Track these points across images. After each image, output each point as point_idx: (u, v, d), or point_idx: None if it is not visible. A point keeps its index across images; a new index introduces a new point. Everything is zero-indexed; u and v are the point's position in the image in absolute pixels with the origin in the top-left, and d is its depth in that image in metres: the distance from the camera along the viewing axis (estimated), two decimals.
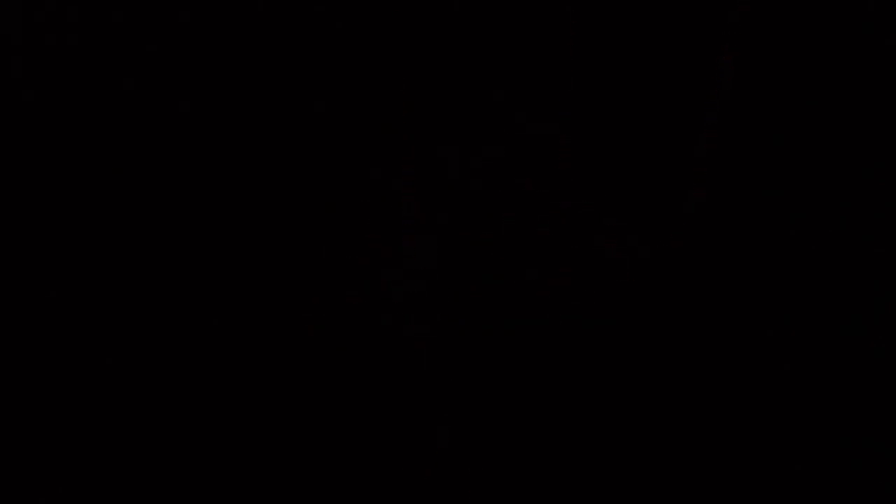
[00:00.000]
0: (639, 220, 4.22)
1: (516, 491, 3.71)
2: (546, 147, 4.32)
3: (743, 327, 3.99)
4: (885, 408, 3.81)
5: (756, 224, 4.14)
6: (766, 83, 4.21)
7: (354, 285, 4.11)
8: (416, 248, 4.17)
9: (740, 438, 3.79)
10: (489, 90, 4.39)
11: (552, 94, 4.38)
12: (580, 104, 4.34)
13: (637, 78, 4.31)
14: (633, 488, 3.71)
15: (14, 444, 3.78)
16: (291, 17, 4.40)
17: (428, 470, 3.75)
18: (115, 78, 4.35)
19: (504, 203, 4.25)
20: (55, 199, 4.22)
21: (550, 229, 4.20)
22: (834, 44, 4.18)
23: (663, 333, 4.01)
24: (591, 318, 4.04)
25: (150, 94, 4.34)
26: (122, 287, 4.09)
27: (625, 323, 4.03)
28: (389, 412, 3.87)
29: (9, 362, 3.94)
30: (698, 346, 3.98)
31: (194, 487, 3.71)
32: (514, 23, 4.41)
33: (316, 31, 4.40)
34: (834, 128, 4.17)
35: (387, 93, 4.39)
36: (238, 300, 4.07)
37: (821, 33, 4.18)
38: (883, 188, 4.11)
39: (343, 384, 3.92)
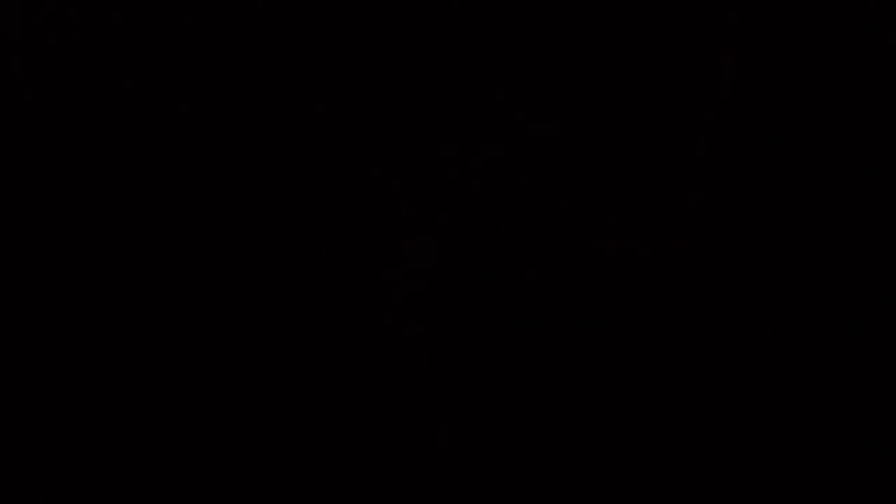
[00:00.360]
0: (639, 220, 4.22)
1: (516, 491, 3.71)
2: (546, 147, 4.32)
3: (743, 327, 3.99)
4: (885, 408, 3.81)
5: (756, 224, 4.14)
6: (765, 83, 4.21)
7: (354, 285, 4.11)
8: (416, 248, 4.17)
9: (740, 438, 3.79)
10: (489, 90, 4.39)
11: (552, 94, 4.38)
12: (580, 104, 4.35)
13: (637, 78, 4.31)
14: (633, 488, 3.71)
15: (14, 444, 3.78)
16: (291, 17, 4.40)
17: (428, 470, 3.75)
18: (115, 78, 4.35)
19: (504, 203, 4.25)
20: (55, 199, 4.22)
21: (550, 229, 4.20)
22: (834, 44, 4.18)
23: (663, 333, 4.01)
24: (591, 318, 4.04)
25: (150, 94, 4.34)
26: (122, 287, 4.09)
27: (625, 323, 4.03)
28: (389, 412, 3.87)
29: (9, 362, 3.94)
30: (698, 346, 3.98)
31: (194, 487, 3.71)
32: (513, 23, 4.41)
33: (316, 32, 4.40)
34: (834, 128, 4.17)
35: (387, 93, 4.39)
36: (238, 300, 4.08)
37: (821, 33, 4.18)
38: (883, 188, 4.11)
39: (343, 384, 3.92)
